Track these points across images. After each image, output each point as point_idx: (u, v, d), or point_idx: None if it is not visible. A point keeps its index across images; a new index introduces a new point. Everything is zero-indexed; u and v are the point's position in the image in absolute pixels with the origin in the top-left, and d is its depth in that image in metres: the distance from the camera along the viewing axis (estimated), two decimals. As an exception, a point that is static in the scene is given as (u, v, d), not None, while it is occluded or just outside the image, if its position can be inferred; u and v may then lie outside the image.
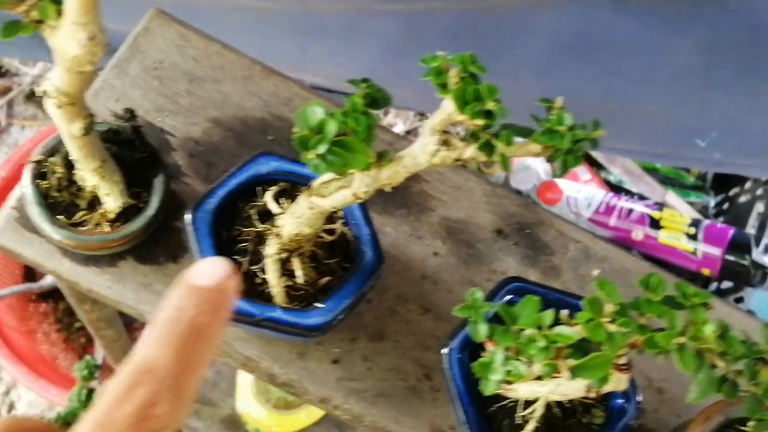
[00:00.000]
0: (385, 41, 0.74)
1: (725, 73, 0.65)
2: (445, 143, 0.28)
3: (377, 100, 0.27)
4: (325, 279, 0.35)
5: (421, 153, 0.28)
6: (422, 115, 1.67)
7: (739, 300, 1.25)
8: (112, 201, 0.36)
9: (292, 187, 0.36)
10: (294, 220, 0.32)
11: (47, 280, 1.25)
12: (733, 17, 0.60)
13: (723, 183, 1.53)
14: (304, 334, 0.34)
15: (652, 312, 0.26)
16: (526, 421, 0.34)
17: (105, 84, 0.43)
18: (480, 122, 0.26)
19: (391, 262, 0.43)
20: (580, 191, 1.42)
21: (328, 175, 0.30)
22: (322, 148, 0.26)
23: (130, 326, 0.93)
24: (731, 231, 1.27)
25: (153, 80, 0.43)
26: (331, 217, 0.36)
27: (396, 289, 0.42)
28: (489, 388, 0.26)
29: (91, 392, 1.02)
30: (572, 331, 0.25)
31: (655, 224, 1.31)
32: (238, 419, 0.87)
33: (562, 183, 1.44)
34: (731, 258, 1.23)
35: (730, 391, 0.28)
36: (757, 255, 1.22)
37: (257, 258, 0.35)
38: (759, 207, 1.40)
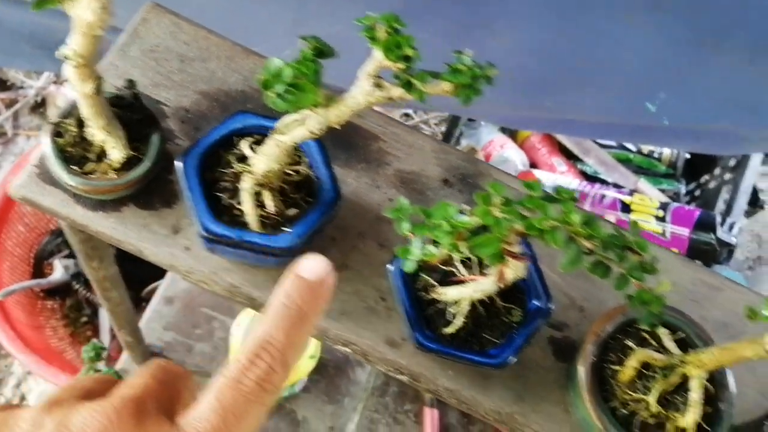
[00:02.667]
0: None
1: (674, 32, 0.71)
2: (378, 85, 0.36)
3: (323, 51, 0.35)
4: (293, 211, 0.43)
5: (360, 95, 0.36)
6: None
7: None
8: (117, 153, 0.44)
9: (263, 139, 0.44)
10: (264, 158, 0.40)
11: (55, 276, 1.33)
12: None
13: (694, 171, 1.61)
14: (275, 254, 0.42)
15: (531, 204, 0.33)
16: (455, 317, 0.42)
17: (110, 65, 0.51)
18: (401, 65, 0.34)
19: (353, 206, 0.51)
20: (557, 180, 1.50)
21: (289, 118, 0.38)
22: (280, 88, 0.34)
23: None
24: (697, 212, 1.35)
25: (150, 61, 0.52)
26: (296, 161, 0.44)
27: (357, 228, 0.50)
28: (409, 267, 0.34)
29: (97, 373, 1.10)
30: (470, 219, 0.33)
31: (626, 208, 1.39)
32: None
33: (539, 173, 1.53)
34: (698, 237, 1.31)
35: (603, 272, 0.36)
36: (722, 233, 1.29)
37: (235, 194, 0.42)
38: (725, 191, 1.48)
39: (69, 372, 1.20)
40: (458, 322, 0.42)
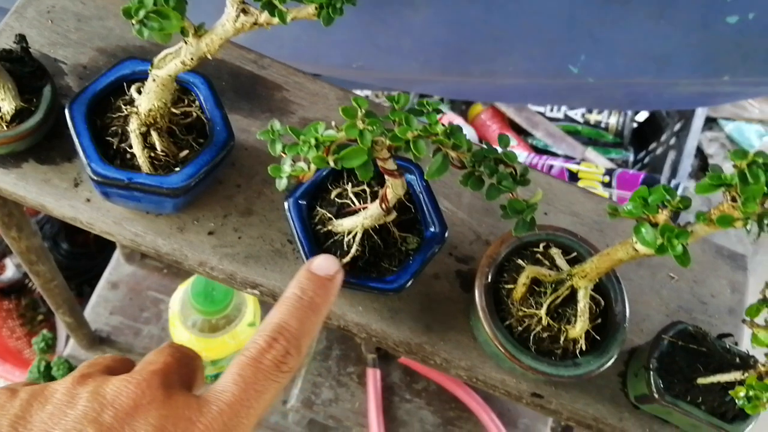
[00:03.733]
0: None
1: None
2: (244, 11, 0.36)
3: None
4: (185, 152, 0.44)
5: (227, 21, 0.37)
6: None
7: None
8: (7, 105, 0.44)
9: (154, 84, 0.44)
10: (146, 96, 0.40)
11: (7, 274, 1.31)
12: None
13: (642, 139, 1.65)
14: (168, 194, 0.42)
15: (396, 117, 0.34)
16: (350, 247, 0.43)
17: (6, 26, 0.51)
18: (263, -10, 0.35)
19: (258, 154, 0.51)
20: (506, 154, 1.52)
21: (165, 52, 0.39)
22: (141, 14, 0.34)
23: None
24: (642, 176, 1.38)
25: (46, 21, 0.52)
26: (187, 103, 0.44)
27: (262, 175, 0.51)
28: (281, 185, 0.35)
29: (48, 364, 1.09)
30: (335, 133, 0.34)
31: (574, 177, 1.41)
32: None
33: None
34: (643, 199, 1.34)
35: (475, 184, 0.37)
36: (667, 195, 1.32)
37: (126, 137, 0.43)
38: (671, 155, 1.51)
39: (25, 369, 1.18)
40: (353, 251, 0.42)
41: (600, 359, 0.44)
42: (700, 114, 1.47)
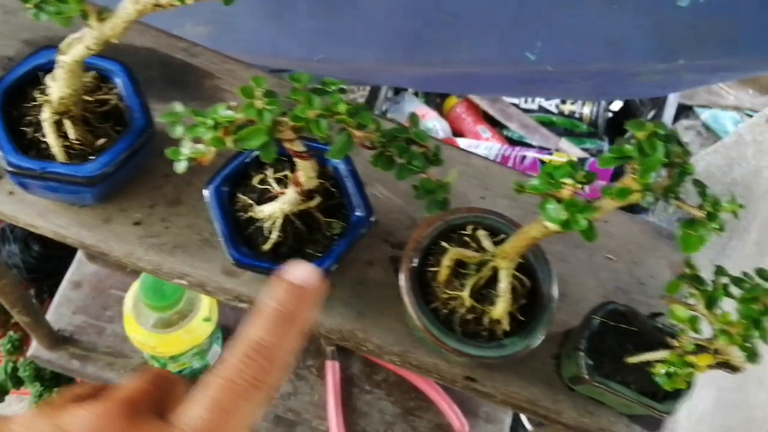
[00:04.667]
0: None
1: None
2: (144, -7, 0.36)
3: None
4: (101, 141, 0.43)
5: (128, 4, 0.36)
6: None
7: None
8: None
9: (72, 73, 0.44)
10: (56, 84, 0.40)
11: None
12: None
13: (618, 128, 1.65)
14: (84, 184, 0.42)
15: (296, 96, 0.34)
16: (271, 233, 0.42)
17: (-71, 20, 0.51)
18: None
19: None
20: (479, 146, 1.52)
21: (71, 38, 0.38)
22: (36, -1, 0.34)
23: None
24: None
25: (-29, 14, 0.51)
26: (105, 91, 0.44)
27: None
28: (180, 168, 0.34)
29: (15, 366, 1.08)
30: (233, 114, 0.33)
31: (547, 167, 1.41)
32: (149, 367, 0.93)
33: (463, 141, 1.54)
34: (614, 188, 1.34)
35: (384, 164, 0.36)
36: (638, 183, 1.32)
37: (40, 127, 0.42)
38: (644, 144, 1.51)
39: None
40: (274, 236, 0.42)
41: (526, 340, 0.43)
42: (673, 101, 1.48)
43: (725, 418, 1.46)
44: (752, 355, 0.34)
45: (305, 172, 0.38)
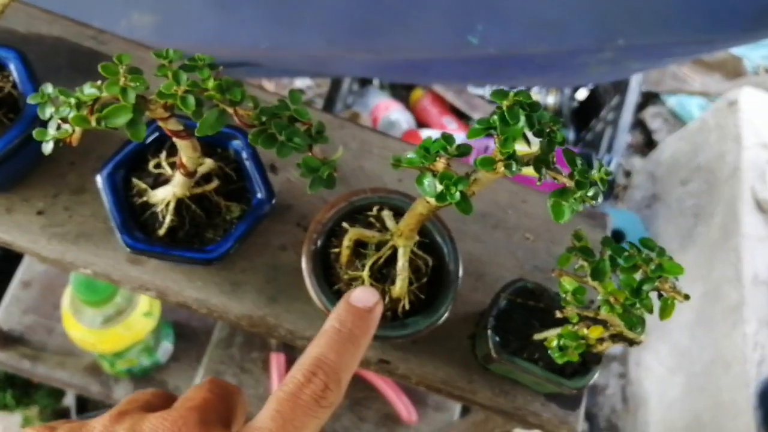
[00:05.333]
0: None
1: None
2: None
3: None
4: (-6, 129, 0.42)
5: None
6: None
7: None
8: None
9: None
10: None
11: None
12: None
13: (584, 117, 1.65)
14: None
15: (163, 72, 0.34)
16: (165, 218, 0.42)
17: None
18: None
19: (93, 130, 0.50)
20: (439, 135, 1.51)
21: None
22: None
23: None
24: (575, 152, 1.38)
25: None
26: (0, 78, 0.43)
27: (97, 152, 0.49)
28: (47, 149, 0.34)
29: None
30: (97, 92, 0.33)
31: (510, 156, 1.41)
32: (99, 366, 0.93)
33: (428, 132, 1.54)
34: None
35: (265, 142, 0.36)
36: (600, 170, 1.32)
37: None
38: (609, 131, 1.52)
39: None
40: (167, 221, 0.42)
41: (429, 318, 0.43)
42: (635, 88, 1.48)
43: (694, 402, 1.46)
44: (633, 325, 0.34)
45: (185, 153, 0.37)
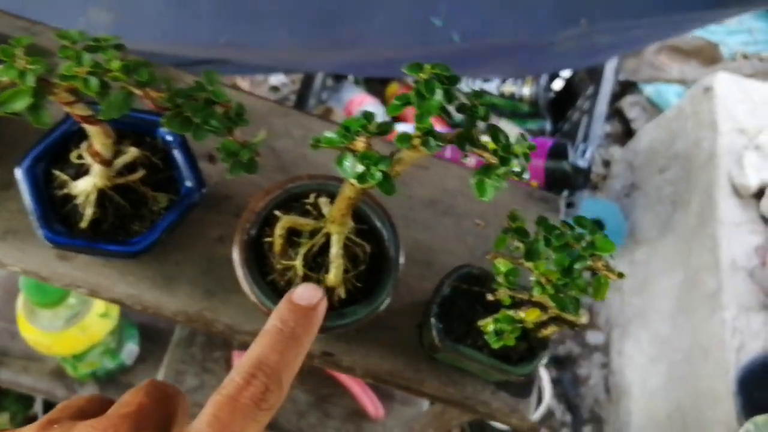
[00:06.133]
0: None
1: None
2: None
3: None
4: None
5: None
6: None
7: (570, 205, 1.35)
8: None
9: None
10: None
11: None
12: None
13: (561, 107, 1.64)
14: None
15: (65, 54, 0.32)
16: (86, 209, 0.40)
17: None
18: None
19: (25, 124, 0.48)
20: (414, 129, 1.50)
21: None
22: None
23: None
24: (550, 142, 1.37)
25: None
26: None
27: (25, 145, 0.47)
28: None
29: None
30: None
31: (484, 148, 1.40)
32: (62, 370, 0.91)
33: (403, 126, 1.53)
34: (551, 165, 1.33)
35: (180, 125, 0.34)
36: (575, 159, 1.31)
37: None
38: (585, 120, 1.51)
39: None
40: (89, 213, 0.40)
41: (368, 307, 0.41)
42: (610, 77, 1.47)
43: (676, 390, 1.46)
44: (564, 306, 0.33)
45: (97, 139, 0.36)
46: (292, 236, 0.41)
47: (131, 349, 0.89)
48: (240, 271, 0.41)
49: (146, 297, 0.45)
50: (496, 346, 0.37)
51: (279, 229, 0.41)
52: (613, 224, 1.57)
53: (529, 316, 0.36)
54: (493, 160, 0.31)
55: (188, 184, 0.42)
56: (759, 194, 1.26)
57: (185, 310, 0.46)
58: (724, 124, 1.35)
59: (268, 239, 0.42)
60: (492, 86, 1.60)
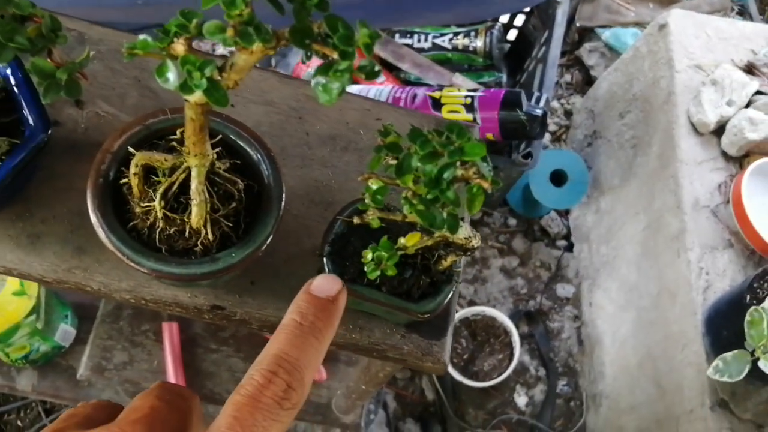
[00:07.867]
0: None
1: None
2: None
3: None
4: None
5: None
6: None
7: (528, 156, 1.31)
8: None
9: None
10: None
11: None
12: None
13: (518, 58, 1.60)
14: None
15: None
16: None
17: None
18: None
19: None
20: (370, 90, 1.45)
21: None
22: None
23: None
24: (502, 93, 1.32)
25: None
26: None
27: None
28: None
29: None
30: None
31: (437, 103, 1.35)
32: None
33: (354, 88, 1.47)
34: (505, 115, 1.29)
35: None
36: (529, 108, 1.27)
37: None
38: (540, 69, 1.46)
39: None
40: None
41: (245, 249, 0.37)
42: (561, 21, 1.42)
43: (645, 336, 1.43)
44: (434, 222, 0.29)
45: None
46: (152, 175, 0.37)
47: (65, 330, 0.85)
48: (93, 218, 0.36)
49: (9, 258, 0.41)
50: (372, 276, 0.33)
51: (133, 168, 0.36)
52: (575, 174, 1.54)
53: (409, 240, 0.32)
54: (335, 56, 0.27)
55: (31, 123, 0.37)
56: (719, 131, 1.23)
57: (54, 271, 0.41)
58: (681, 61, 1.31)
59: (126, 181, 0.38)
60: (444, 40, 1.55)
